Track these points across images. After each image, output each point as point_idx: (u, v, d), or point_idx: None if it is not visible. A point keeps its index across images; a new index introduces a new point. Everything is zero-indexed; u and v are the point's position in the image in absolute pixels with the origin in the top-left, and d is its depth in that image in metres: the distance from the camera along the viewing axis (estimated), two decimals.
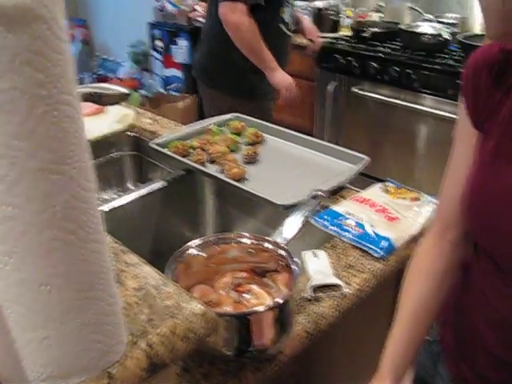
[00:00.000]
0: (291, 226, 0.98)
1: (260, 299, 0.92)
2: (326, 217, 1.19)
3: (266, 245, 0.93)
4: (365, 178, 2.27)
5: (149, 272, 0.67)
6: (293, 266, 0.88)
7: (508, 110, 0.74)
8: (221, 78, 2.27)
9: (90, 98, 1.13)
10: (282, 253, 0.91)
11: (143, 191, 1.43)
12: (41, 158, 0.39)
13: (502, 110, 0.75)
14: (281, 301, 0.84)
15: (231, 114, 1.71)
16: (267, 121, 1.65)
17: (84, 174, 0.44)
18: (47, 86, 0.38)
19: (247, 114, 1.71)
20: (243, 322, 0.82)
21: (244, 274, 0.97)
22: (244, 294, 0.93)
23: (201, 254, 0.92)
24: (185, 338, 0.59)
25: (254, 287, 0.95)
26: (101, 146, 1.72)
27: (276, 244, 0.92)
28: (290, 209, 1.13)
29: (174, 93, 3.88)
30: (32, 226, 0.41)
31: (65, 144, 0.40)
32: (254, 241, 0.94)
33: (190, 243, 0.91)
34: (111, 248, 0.72)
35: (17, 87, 0.36)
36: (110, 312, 0.52)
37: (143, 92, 4.00)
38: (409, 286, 0.92)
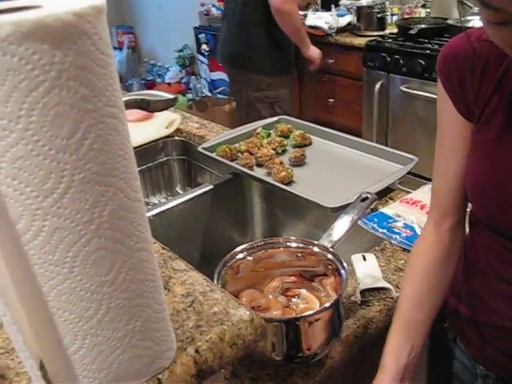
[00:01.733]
0: (339, 229, 0.96)
1: (309, 304, 0.92)
2: (375, 219, 1.18)
3: (314, 248, 0.92)
4: (414, 178, 2.24)
5: (196, 278, 0.67)
6: (341, 270, 0.88)
7: (501, 99, 0.75)
8: (261, 59, 2.52)
9: (138, 104, 1.14)
10: (330, 257, 0.90)
11: (191, 195, 1.44)
12: (88, 170, 0.39)
13: (494, 100, 0.76)
14: (329, 305, 0.83)
15: (278, 117, 1.71)
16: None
17: (130, 185, 0.44)
18: (93, 100, 0.38)
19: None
20: (292, 327, 0.81)
21: (293, 279, 0.96)
22: (293, 299, 0.94)
23: (249, 258, 0.92)
24: (233, 345, 0.59)
25: (303, 292, 0.95)
26: (150, 151, 1.75)
27: (324, 248, 0.92)
28: (338, 211, 1.12)
29: (220, 96, 3.91)
30: (81, 237, 0.42)
31: (111, 156, 0.41)
32: (301, 244, 0.93)
33: (237, 248, 0.91)
34: (159, 255, 0.72)
35: (64, 102, 0.37)
36: (159, 319, 0.53)
37: (190, 96, 4.04)
38: (410, 273, 0.91)
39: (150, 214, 1.36)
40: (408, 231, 1.12)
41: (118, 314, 0.48)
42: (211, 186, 1.47)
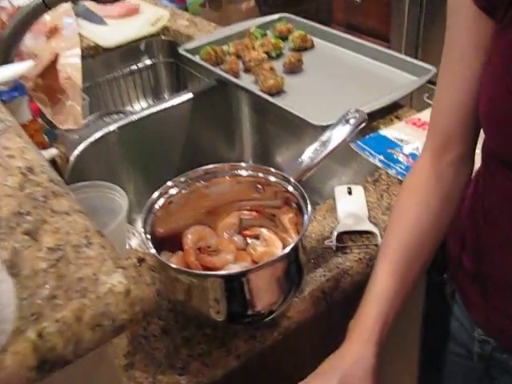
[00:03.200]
0: (313, 155, 0.77)
1: (270, 246, 0.78)
2: (371, 143, 1.01)
3: (271, 178, 0.76)
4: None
5: (76, 225, 0.50)
6: (303, 207, 0.71)
7: None
8: None
9: None
10: (291, 189, 0.74)
11: (167, 104, 1.30)
12: None
13: None
14: (283, 254, 0.68)
15: (279, 14, 1.47)
16: None
17: None
18: None
19: None
20: (235, 284, 0.67)
21: (253, 214, 0.82)
22: (251, 240, 0.80)
23: (185, 191, 0.76)
24: (96, 327, 0.43)
25: (264, 231, 0.80)
26: (132, 51, 1.58)
27: (283, 177, 0.75)
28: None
29: None
30: None
31: None
32: (255, 173, 0.78)
33: (170, 182, 0.76)
34: (42, 188, 0.55)
35: None
36: None
37: None
38: (400, 214, 0.72)
39: (118, 124, 1.23)
40: (411, 160, 0.95)
41: None
42: (191, 95, 1.31)
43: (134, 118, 1.24)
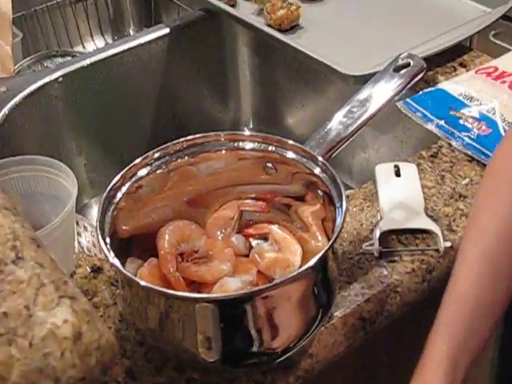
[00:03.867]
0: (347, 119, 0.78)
1: (283, 252, 0.76)
2: (428, 101, 1.02)
3: (289, 154, 0.74)
4: None
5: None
6: (335, 197, 0.70)
7: None
8: None
9: None
10: (318, 171, 0.73)
11: (134, 42, 1.29)
12: None
13: None
14: (312, 264, 0.64)
15: None
16: None
17: None
18: None
19: None
20: (234, 310, 0.64)
21: (259, 205, 0.80)
22: (256, 241, 0.80)
23: (162, 170, 0.75)
24: None
25: (275, 229, 0.79)
26: None
27: (307, 154, 0.74)
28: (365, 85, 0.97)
29: None
30: None
31: None
32: (263, 145, 0.77)
33: (139, 159, 0.74)
34: None
35: None
36: None
37: None
38: (484, 215, 0.72)
39: (64, 71, 1.22)
40: (484, 126, 0.96)
41: None
42: (167, 30, 1.31)
43: (87, 62, 1.23)
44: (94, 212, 1.25)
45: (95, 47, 1.61)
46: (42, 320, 0.40)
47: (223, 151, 0.77)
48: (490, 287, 0.69)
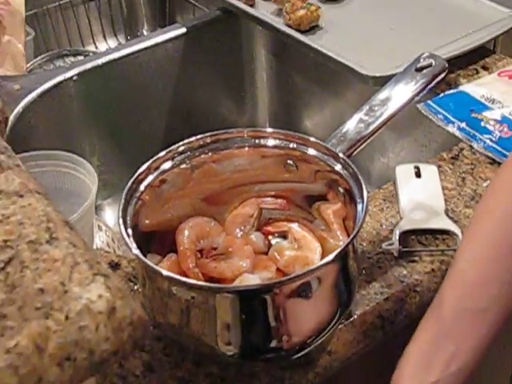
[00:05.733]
0: (370, 117, 0.81)
1: (303, 250, 0.79)
2: (449, 103, 1.05)
3: (310, 151, 0.77)
4: None
5: (33, 211, 0.51)
6: (356, 195, 0.73)
7: None
8: None
9: None
10: (339, 168, 0.76)
11: (150, 41, 1.34)
12: None
13: None
14: (330, 258, 0.67)
15: None
16: None
17: None
18: None
19: None
20: (256, 302, 0.68)
21: (279, 202, 0.84)
22: (276, 240, 0.82)
23: (186, 165, 0.78)
24: (65, 361, 0.43)
25: (294, 227, 0.82)
26: None
27: (329, 151, 0.77)
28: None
29: None
30: None
31: None
32: (285, 143, 0.79)
33: (163, 152, 0.77)
34: None
35: None
36: None
37: None
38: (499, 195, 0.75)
39: (79, 69, 1.26)
40: (506, 129, 0.99)
41: None
42: (183, 30, 1.36)
43: (102, 60, 1.26)
44: (107, 213, 1.28)
45: (108, 47, 1.65)
46: (78, 295, 0.43)
47: (246, 148, 0.79)
48: None
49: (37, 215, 0.50)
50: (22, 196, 0.52)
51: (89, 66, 1.24)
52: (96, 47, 1.65)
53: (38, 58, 1.53)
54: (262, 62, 1.42)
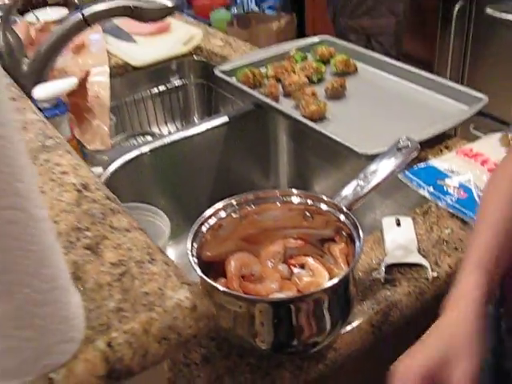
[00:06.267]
0: (363, 184, 0.83)
1: (316, 277, 0.83)
2: (421, 173, 1.05)
3: (322, 206, 0.82)
4: (488, 121, 2.05)
5: (137, 241, 0.56)
6: (355, 237, 0.77)
7: None
8: None
9: (128, 13, 1.02)
10: (343, 218, 0.79)
11: (200, 127, 1.35)
12: None
13: None
14: (333, 284, 0.73)
15: (319, 37, 1.55)
16: None
17: None
18: None
19: None
20: (283, 310, 0.72)
21: (299, 243, 0.87)
22: (296, 269, 0.85)
23: (235, 215, 0.82)
24: (162, 340, 0.48)
25: (310, 261, 0.85)
26: (163, 71, 1.66)
27: (335, 206, 0.80)
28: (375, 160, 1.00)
29: (268, 11, 3.71)
30: None
31: None
32: (306, 200, 0.83)
33: (219, 203, 0.81)
34: (100, 206, 0.61)
35: None
36: (43, 302, 0.42)
37: (234, 10, 3.86)
38: (494, 187, 0.78)
39: (150, 146, 1.29)
40: (462, 193, 0.99)
41: None
42: (226, 119, 1.37)
43: (166, 141, 1.29)
44: (169, 251, 1.31)
45: (168, 130, 1.68)
46: (171, 296, 0.49)
47: (277, 203, 0.83)
48: None
49: (140, 244, 0.55)
50: (129, 231, 0.58)
51: (157, 144, 1.27)
52: (159, 130, 1.68)
53: (118, 137, 1.57)
54: (284, 143, 1.44)
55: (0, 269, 0.39)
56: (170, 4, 1.02)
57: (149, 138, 1.62)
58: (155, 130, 1.69)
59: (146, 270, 0.53)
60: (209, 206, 0.80)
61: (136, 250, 0.55)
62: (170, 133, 1.41)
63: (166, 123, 1.72)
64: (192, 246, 0.75)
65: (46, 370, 0.44)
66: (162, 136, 1.37)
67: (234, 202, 0.81)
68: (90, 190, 0.64)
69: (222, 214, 0.80)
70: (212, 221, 0.79)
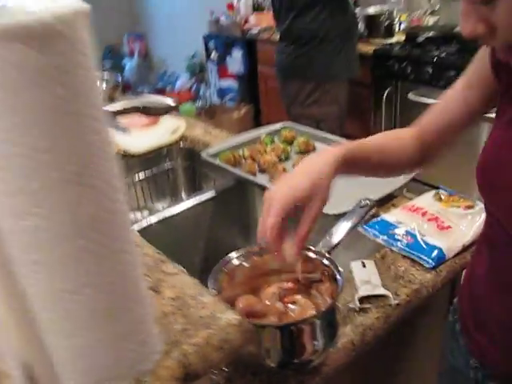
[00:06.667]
0: (337, 234, 0.95)
1: (305, 310, 0.91)
2: (376, 226, 1.16)
3: (310, 254, 0.91)
4: (420, 185, 2.22)
5: (186, 282, 0.67)
6: (337, 276, 0.87)
7: None
8: (316, 68, 2.54)
9: (139, 110, 1.15)
10: (326, 262, 0.89)
11: (192, 201, 1.43)
12: (63, 169, 0.39)
13: None
14: (323, 310, 0.84)
15: (282, 123, 1.71)
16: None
17: (111, 186, 0.44)
18: (70, 101, 0.38)
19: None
20: (286, 333, 0.81)
21: (290, 285, 0.95)
22: (289, 305, 0.92)
23: (245, 264, 0.92)
24: (220, 349, 0.58)
25: (299, 298, 0.93)
26: (154, 157, 1.75)
27: (320, 253, 0.91)
28: (340, 218, 1.11)
29: (229, 103, 3.91)
30: (58, 237, 0.42)
31: (89, 156, 0.41)
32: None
33: (233, 253, 0.91)
34: (151, 258, 0.72)
35: (38, 102, 0.37)
36: (143, 321, 0.52)
37: (199, 103, 4.05)
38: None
39: (152, 220, 1.36)
40: (409, 238, 1.10)
41: (99, 316, 0.48)
42: (214, 193, 1.46)
43: (165, 214, 1.37)
44: None
45: (162, 206, 1.75)
46: (222, 317, 0.58)
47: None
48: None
49: (189, 284, 0.66)
50: (178, 274, 0.68)
51: (160, 216, 1.36)
52: (153, 206, 1.76)
53: None
54: (261, 211, 1.50)
55: (116, 298, 0.50)
56: (172, 103, 1.15)
57: (146, 212, 1.71)
58: (151, 205, 1.77)
59: (198, 301, 0.63)
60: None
61: (187, 287, 0.66)
62: (163, 208, 1.48)
63: (158, 200, 1.79)
64: (215, 281, 0.84)
65: (139, 375, 0.54)
66: (162, 211, 1.44)
67: (244, 252, 0.91)
68: (141, 247, 0.75)
69: (235, 261, 0.90)
70: (227, 268, 0.89)
